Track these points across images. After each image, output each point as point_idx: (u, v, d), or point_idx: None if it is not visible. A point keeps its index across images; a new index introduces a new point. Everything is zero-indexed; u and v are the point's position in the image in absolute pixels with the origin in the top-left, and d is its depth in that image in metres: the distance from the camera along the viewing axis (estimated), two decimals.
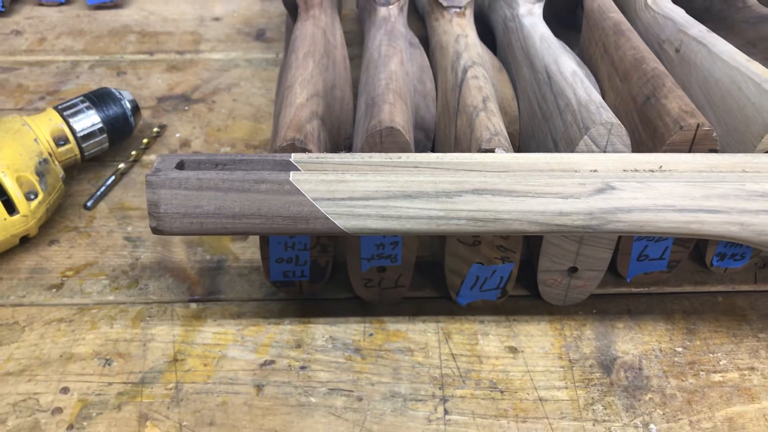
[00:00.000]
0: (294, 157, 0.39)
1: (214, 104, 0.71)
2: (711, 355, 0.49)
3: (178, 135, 0.67)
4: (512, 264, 0.48)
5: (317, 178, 0.37)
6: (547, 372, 0.48)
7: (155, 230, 0.38)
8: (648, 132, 0.47)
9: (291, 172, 0.37)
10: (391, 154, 0.40)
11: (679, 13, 0.62)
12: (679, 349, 0.49)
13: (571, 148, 0.43)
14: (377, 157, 0.39)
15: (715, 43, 0.54)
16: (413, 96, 0.54)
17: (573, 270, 0.49)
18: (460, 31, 0.59)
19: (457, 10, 0.62)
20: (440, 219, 0.37)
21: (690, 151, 0.44)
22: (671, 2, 0.65)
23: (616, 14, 0.60)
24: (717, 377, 0.48)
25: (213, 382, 0.47)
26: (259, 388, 0.46)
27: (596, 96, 0.45)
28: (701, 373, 0.48)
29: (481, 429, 0.44)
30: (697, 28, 0.57)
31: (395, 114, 0.43)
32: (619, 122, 0.42)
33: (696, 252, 0.55)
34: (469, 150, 0.44)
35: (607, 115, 0.42)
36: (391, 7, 0.63)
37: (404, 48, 0.57)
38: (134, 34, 0.82)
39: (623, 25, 0.58)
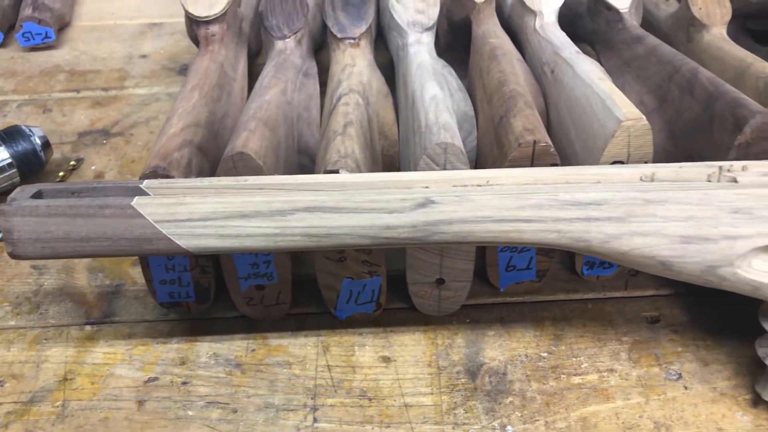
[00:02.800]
0: (145, 183, 0.42)
1: (131, 137, 0.74)
2: (574, 359, 0.51)
3: (93, 167, 0.70)
4: (380, 277, 0.51)
5: (158, 202, 0.40)
6: (415, 379, 0.50)
7: (12, 255, 0.40)
8: (498, 150, 0.50)
9: (136, 197, 0.40)
10: (238, 177, 0.43)
11: (559, 37, 0.65)
12: (545, 354, 0.52)
13: (415, 167, 0.46)
14: (224, 181, 0.42)
15: (580, 63, 0.57)
16: (296, 123, 0.57)
17: (440, 281, 0.52)
18: (349, 61, 0.63)
19: (351, 41, 0.66)
20: (277, 236, 0.40)
21: (531, 166, 0.48)
22: (556, 26, 0.68)
23: (496, 40, 0.64)
24: (577, 380, 0.50)
25: (98, 399, 0.49)
26: (140, 403, 0.49)
27: (444, 119, 0.48)
28: (562, 376, 0.50)
29: None
30: (568, 50, 0.61)
31: (250, 140, 0.46)
32: (454, 142, 0.45)
33: (571, 261, 0.58)
34: (320, 172, 0.47)
35: (446, 135, 0.45)
36: (287, 40, 0.66)
37: (292, 78, 0.61)
38: (64, 74, 0.86)
39: (498, 50, 0.61)
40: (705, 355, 0.51)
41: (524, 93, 0.53)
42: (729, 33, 0.77)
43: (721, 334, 0.53)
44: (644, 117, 0.47)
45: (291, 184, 0.42)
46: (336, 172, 0.45)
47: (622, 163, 0.49)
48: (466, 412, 0.48)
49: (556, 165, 0.48)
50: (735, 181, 0.43)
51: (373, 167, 0.53)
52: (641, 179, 0.43)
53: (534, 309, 0.55)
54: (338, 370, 0.51)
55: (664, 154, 0.56)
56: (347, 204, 0.40)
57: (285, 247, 0.41)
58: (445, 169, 0.46)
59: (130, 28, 0.95)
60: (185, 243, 0.40)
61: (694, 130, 0.52)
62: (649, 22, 0.78)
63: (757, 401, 0.48)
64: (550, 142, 0.47)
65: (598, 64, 0.64)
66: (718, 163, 0.44)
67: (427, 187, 0.42)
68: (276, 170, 0.49)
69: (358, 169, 0.46)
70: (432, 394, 0.49)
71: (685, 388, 0.49)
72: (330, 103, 0.56)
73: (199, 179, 0.43)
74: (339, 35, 0.66)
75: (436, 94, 0.52)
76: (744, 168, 0.44)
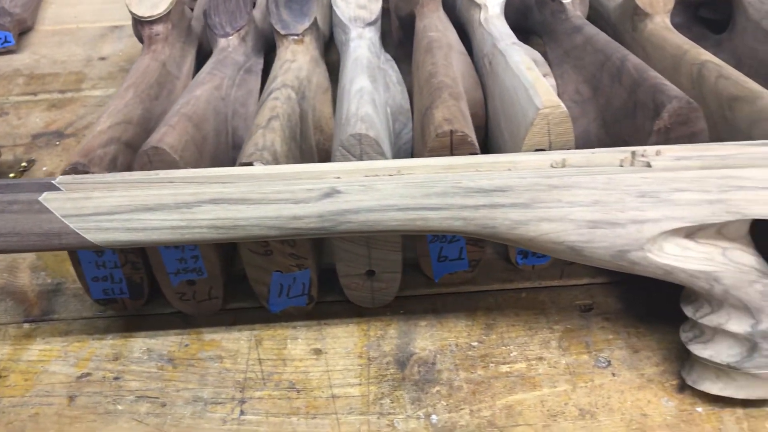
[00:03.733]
0: (58, 179, 0.43)
1: (84, 138, 0.74)
2: (504, 347, 0.52)
3: (45, 168, 0.71)
4: (308, 270, 0.51)
5: (65, 197, 0.40)
6: (345, 370, 0.50)
7: None
8: (422, 141, 0.50)
9: (45, 192, 0.41)
10: (149, 172, 0.43)
11: (500, 29, 0.65)
12: (475, 344, 0.52)
13: (333, 158, 0.46)
14: (136, 175, 0.43)
15: (512, 54, 0.57)
16: (231, 119, 0.58)
17: (371, 273, 0.52)
18: (289, 57, 0.63)
19: (295, 37, 0.66)
20: (183, 229, 0.41)
21: (451, 156, 0.48)
22: (499, 19, 0.68)
23: (435, 33, 0.64)
24: (505, 368, 0.50)
25: (30, 395, 0.50)
26: (71, 398, 0.49)
27: (365, 111, 0.48)
28: (491, 365, 0.50)
29: (272, 426, 0.47)
30: (505, 42, 0.61)
31: (168, 135, 0.46)
32: (368, 133, 0.45)
33: (506, 251, 0.58)
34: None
35: (361, 126, 0.46)
36: (230, 38, 0.67)
37: (230, 74, 0.61)
38: (23, 77, 0.86)
39: (435, 43, 0.62)
40: (636, 342, 0.51)
41: (452, 84, 0.53)
42: (681, 22, 0.77)
43: (653, 321, 0.53)
44: (562, 104, 0.47)
45: (201, 177, 0.42)
46: (250, 164, 0.45)
47: (543, 151, 0.49)
48: (393, 402, 0.48)
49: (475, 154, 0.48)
50: (649, 165, 0.43)
51: (302, 160, 0.53)
52: (552, 166, 0.43)
53: (468, 299, 0.55)
54: (269, 363, 0.51)
55: (598, 143, 0.56)
56: (253, 195, 0.40)
57: (193, 239, 0.41)
58: (361, 160, 0.46)
59: (91, 31, 0.96)
60: (93, 237, 0.40)
61: (622, 117, 0.52)
62: (600, 13, 0.78)
63: (683, 387, 0.48)
64: (468, 132, 0.47)
65: (536, 54, 0.64)
66: (631, 149, 0.44)
67: (338, 178, 0.42)
68: (200, 165, 0.50)
69: (275, 161, 0.46)
70: (360, 384, 0.49)
71: (613, 374, 0.49)
72: (262, 97, 0.56)
73: (111, 174, 0.43)
74: (282, 32, 0.66)
75: (364, 86, 0.53)
76: (658, 153, 0.44)
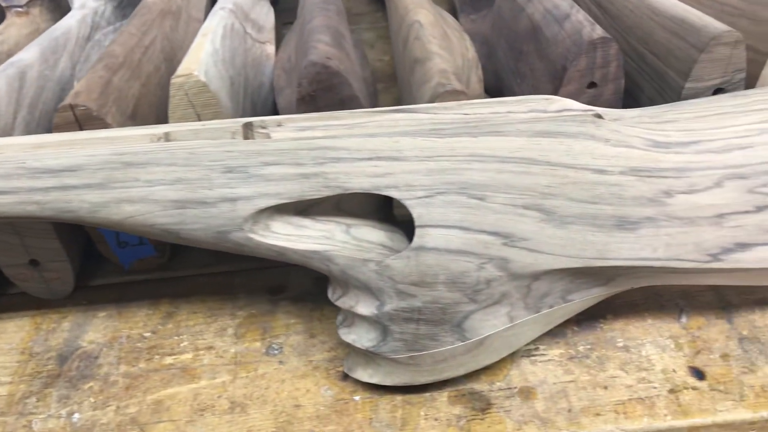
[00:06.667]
0: None
1: None
2: (176, 337, 0.48)
3: None
4: None
5: None
6: (1, 368, 0.47)
7: None
8: None
9: None
10: None
11: None
12: (148, 334, 0.48)
13: None
14: None
15: (209, 19, 0.53)
16: None
17: (35, 263, 0.48)
18: (5, 33, 0.59)
19: (18, 9, 0.62)
20: None
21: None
22: None
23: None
24: (169, 360, 0.47)
25: None
26: None
27: None
28: (156, 357, 0.47)
29: None
30: (219, 5, 0.57)
31: None
32: None
33: None
34: None
35: None
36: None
37: None
38: None
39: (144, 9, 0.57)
40: (316, 326, 0.48)
41: (118, 54, 0.49)
42: None
43: None
44: (196, 73, 0.43)
45: None
46: None
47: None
48: (38, 401, 0.45)
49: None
50: (269, 137, 0.40)
51: None
52: (151, 141, 0.39)
53: (157, 286, 0.52)
54: None
55: None
56: None
57: None
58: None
59: None
60: None
61: (297, 86, 0.48)
62: None
63: (347, 374, 0.44)
64: (94, 107, 0.43)
65: (268, 21, 0.60)
66: (245, 120, 0.40)
67: None
68: None
69: None
70: (11, 383, 0.46)
71: (281, 363, 0.46)
72: None
73: None
74: (4, 3, 0.62)
75: (21, 59, 0.49)
76: (279, 123, 0.40)
